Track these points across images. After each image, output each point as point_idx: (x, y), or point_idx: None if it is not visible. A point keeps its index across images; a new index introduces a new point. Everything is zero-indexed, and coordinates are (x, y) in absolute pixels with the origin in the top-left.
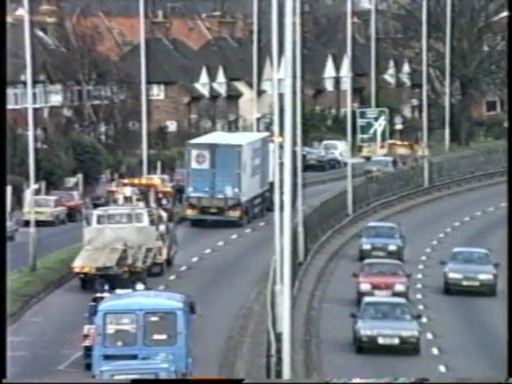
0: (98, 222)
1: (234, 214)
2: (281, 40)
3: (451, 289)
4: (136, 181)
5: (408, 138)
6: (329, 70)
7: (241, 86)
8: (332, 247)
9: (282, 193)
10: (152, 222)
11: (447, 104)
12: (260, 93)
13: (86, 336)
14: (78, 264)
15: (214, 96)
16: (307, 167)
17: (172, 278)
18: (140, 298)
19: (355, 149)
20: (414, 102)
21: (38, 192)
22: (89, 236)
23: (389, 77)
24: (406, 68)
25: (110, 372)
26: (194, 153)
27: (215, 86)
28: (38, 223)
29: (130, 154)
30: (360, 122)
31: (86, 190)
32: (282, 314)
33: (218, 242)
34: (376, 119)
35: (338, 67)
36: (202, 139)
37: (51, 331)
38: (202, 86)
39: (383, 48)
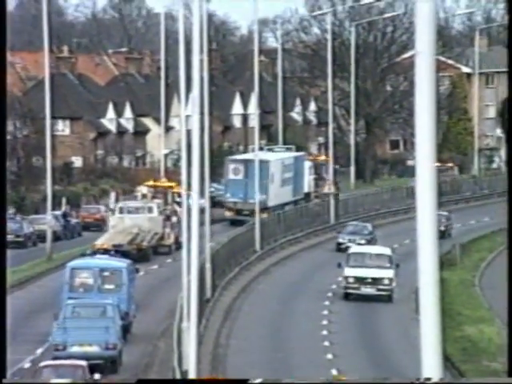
0: (120, 212)
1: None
2: (188, 77)
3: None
4: (157, 183)
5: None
6: (237, 107)
7: (148, 121)
8: (239, 284)
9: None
10: (160, 213)
11: (352, 142)
12: (168, 129)
13: None
14: (100, 242)
15: (121, 132)
16: (215, 204)
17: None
18: (97, 259)
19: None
20: (321, 139)
21: None
22: (112, 222)
23: (296, 114)
24: (312, 106)
25: (73, 304)
26: (232, 166)
27: (122, 121)
28: None
29: (33, 190)
30: None
31: None
32: (188, 352)
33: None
34: None
35: (245, 104)
36: (239, 156)
37: None
38: (109, 121)
39: (290, 86)
